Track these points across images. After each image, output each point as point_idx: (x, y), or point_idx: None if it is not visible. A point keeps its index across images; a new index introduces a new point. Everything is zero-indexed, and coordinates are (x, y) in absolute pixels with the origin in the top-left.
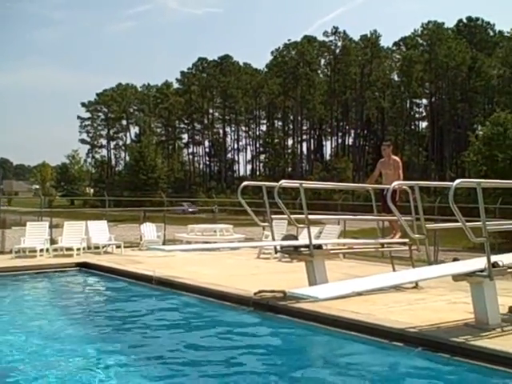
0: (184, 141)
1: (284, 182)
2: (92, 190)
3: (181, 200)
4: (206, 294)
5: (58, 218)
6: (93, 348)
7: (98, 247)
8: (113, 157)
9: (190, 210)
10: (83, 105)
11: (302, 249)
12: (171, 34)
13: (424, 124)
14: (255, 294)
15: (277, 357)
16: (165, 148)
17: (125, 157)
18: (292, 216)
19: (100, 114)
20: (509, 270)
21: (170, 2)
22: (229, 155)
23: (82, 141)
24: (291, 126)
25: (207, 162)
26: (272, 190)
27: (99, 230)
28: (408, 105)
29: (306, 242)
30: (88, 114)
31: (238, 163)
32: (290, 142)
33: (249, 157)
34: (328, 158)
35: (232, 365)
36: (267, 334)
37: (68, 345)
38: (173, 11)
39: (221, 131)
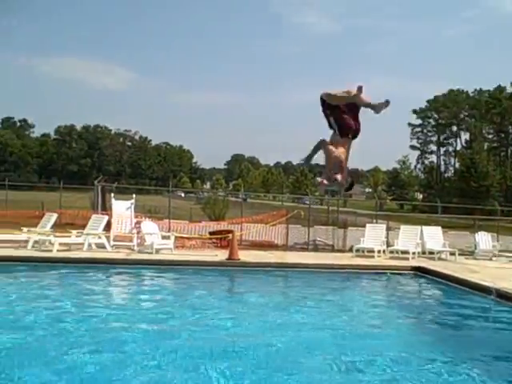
0: None
1: None
2: (421, 196)
3: None
4: None
5: (390, 222)
6: (423, 350)
7: (432, 252)
8: (442, 163)
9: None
10: (414, 112)
11: None
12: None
13: None
14: None
15: None
16: (496, 155)
17: (454, 163)
18: None
19: (430, 120)
20: None
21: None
22: None
23: (412, 147)
24: None
25: None
26: None
27: (434, 236)
28: None
29: None
30: (419, 121)
31: None
32: None
33: None
34: None
35: None
36: None
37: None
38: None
39: None
